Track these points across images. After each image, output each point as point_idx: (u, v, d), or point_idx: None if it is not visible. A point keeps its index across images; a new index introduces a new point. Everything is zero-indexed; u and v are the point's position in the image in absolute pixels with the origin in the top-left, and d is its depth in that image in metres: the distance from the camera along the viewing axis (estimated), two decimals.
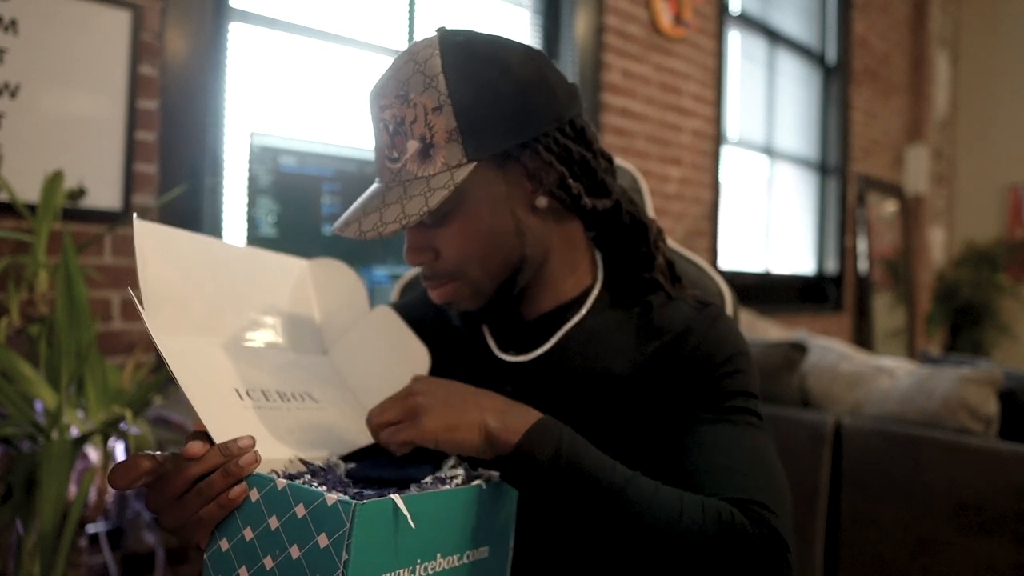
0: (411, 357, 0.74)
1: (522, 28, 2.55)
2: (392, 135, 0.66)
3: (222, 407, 0.55)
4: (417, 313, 0.83)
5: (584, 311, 0.75)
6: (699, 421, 0.68)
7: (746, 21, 3.47)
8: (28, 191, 1.39)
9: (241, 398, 0.57)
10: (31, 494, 1.09)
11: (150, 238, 0.60)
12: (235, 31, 1.79)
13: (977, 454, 1.65)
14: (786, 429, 1.94)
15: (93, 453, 1.24)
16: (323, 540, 0.46)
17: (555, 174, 0.69)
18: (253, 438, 0.52)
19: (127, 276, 1.57)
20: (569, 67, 2.56)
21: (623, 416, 0.70)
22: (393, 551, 0.49)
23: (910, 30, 4.81)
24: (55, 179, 1.31)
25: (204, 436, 0.52)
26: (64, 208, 1.41)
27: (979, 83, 5.08)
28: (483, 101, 0.65)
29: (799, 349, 2.06)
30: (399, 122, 0.65)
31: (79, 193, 1.48)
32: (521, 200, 0.69)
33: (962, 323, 4.83)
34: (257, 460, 0.51)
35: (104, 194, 1.52)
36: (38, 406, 1.17)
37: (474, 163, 0.64)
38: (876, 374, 2.00)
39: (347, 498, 0.47)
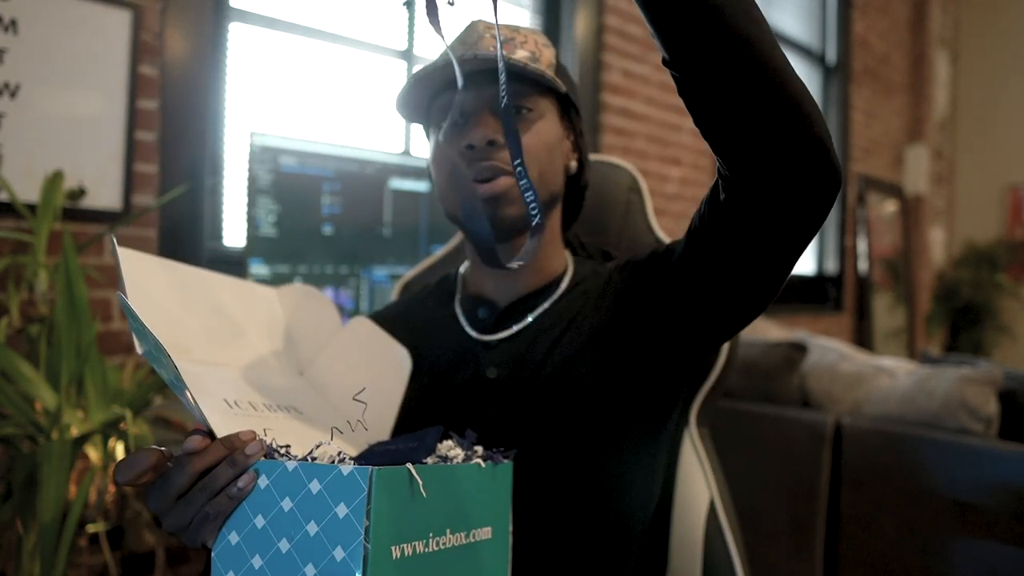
0: (392, 359, 0.74)
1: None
2: (501, 43, 0.72)
3: (213, 413, 0.55)
4: (394, 311, 0.89)
5: (559, 292, 0.79)
6: (674, 259, 0.71)
7: None
8: (28, 191, 1.39)
9: (231, 407, 0.57)
10: (31, 494, 1.09)
11: (129, 263, 0.61)
12: (235, 31, 1.79)
13: (977, 454, 1.65)
14: (786, 429, 1.94)
15: (93, 453, 1.24)
16: (342, 510, 0.46)
17: (586, 146, 0.82)
18: (254, 432, 0.52)
19: None
20: (569, 67, 2.56)
21: (603, 387, 0.72)
22: (407, 521, 0.49)
23: (910, 30, 4.81)
24: (55, 179, 1.31)
25: (202, 432, 0.52)
26: (64, 208, 1.41)
27: (979, 83, 5.08)
28: (565, 68, 0.81)
29: (799, 349, 2.06)
30: (509, 38, 0.75)
31: (79, 193, 1.48)
32: (564, 153, 0.79)
33: (962, 323, 4.83)
34: (263, 448, 0.50)
35: (104, 194, 1.53)
36: (38, 406, 1.17)
37: (563, 92, 0.76)
38: (876, 374, 2.00)
39: (363, 467, 0.47)
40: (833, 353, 2.12)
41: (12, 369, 1.14)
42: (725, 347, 0.92)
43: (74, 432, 1.17)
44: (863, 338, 4.23)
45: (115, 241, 0.60)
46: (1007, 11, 4.98)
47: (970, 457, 1.65)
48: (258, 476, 0.50)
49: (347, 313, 1.61)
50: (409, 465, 0.49)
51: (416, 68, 0.77)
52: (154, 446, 0.53)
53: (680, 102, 2.94)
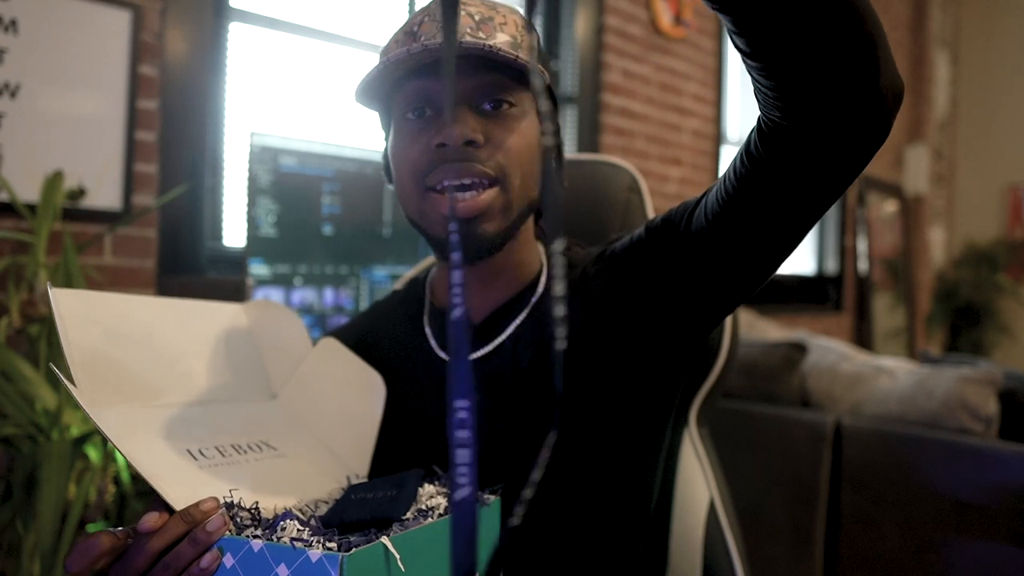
0: (365, 385, 0.70)
1: None
2: (478, 22, 0.65)
3: (178, 471, 0.52)
4: (361, 328, 0.82)
5: (536, 297, 0.73)
6: (677, 227, 0.66)
7: None
8: (28, 191, 1.39)
9: (195, 458, 0.54)
10: (31, 494, 1.09)
11: (71, 305, 0.57)
12: (235, 31, 1.79)
13: (977, 454, 1.65)
14: (786, 429, 1.94)
15: (93, 453, 1.24)
16: None
17: (561, 143, 0.76)
18: (217, 499, 0.49)
19: (127, 276, 1.57)
20: (569, 67, 2.56)
21: (592, 396, 0.68)
22: None
23: (910, 30, 4.81)
24: (55, 179, 1.31)
25: (163, 505, 0.49)
26: (64, 208, 1.41)
27: (979, 83, 5.08)
28: (544, 53, 0.73)
29: (799, 349, 2.06)
30: (487, 17, 0.66)
31: (79, 193, 1.48)
32: (543, 152, 0.71)
33: (962, 323, 4.83)
34: (225, 523, 0.47)
35: (104, 194, 1.52)
36: (38, 406, 1.17)
37: (547, 85, 0.67)
38: (876, 374, 2.00)
39: (333, 549, 0.45)
40: (833, 353, 2.12)
41: (12, 369, 1.14)
42: (725, 347, 0.92)
43: (74, 432, 1.17)
44: (863, 338, 4.23)
45: (50, 286, 0.56)
46: (1007, 11, 4.98)
47: (970, 457, 1.65)
48: (223, 553, 0.47)
49: (347, 313, 1.61)
50: (385, 540, 0.46)
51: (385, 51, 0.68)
52: (107, 529, 0.50)
53: (680, 102, 2.95)
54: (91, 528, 1.27)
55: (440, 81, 0.64)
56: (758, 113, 0.56)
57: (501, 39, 0.65)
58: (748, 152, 0.58)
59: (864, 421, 1.86)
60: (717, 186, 0.62)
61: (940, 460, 1.69)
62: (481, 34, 0.64)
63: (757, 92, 0.54)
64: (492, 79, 0.64)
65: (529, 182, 0.68)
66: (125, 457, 0.49)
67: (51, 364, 0.52)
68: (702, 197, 0.65)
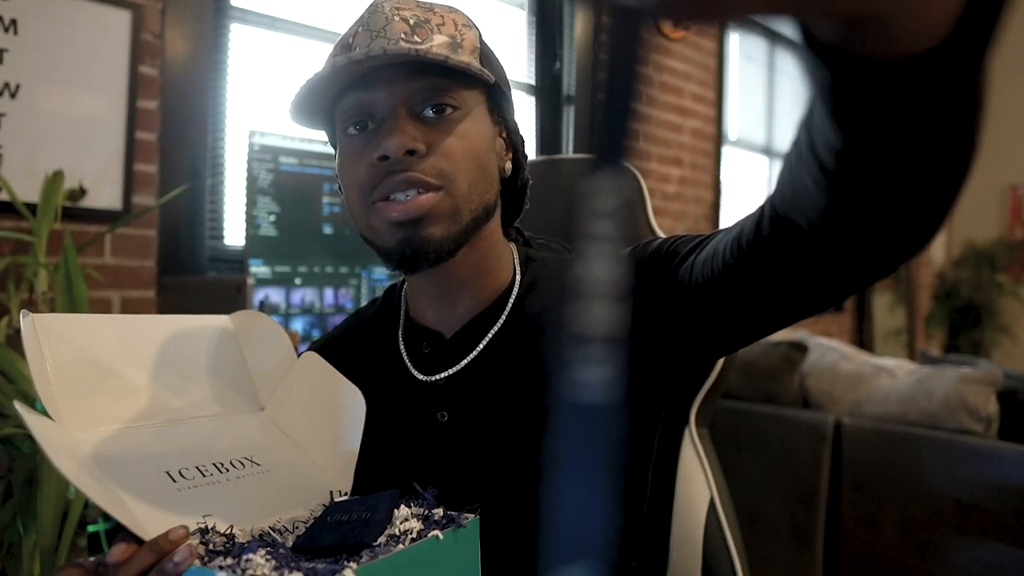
0: (346, 400, 0.69)
1: (521, 29, 2.55)
2: (413, 26, 0.63)
3: (151, 496, 0.52)
4: (339, 338, 0.82)
5: (509, 307, 0.70)
6: (677, 258, 0.61)
7: (746, 21, 3.47)
8: (28, 191, 1.39)
9: (174, 480, 0.54)
10: (31, 494, 1.09)
11: (44, 330, 0.56)
12: (235, 31, 1.79)
13: (977, 454, 1.65)
14: (786, 429, 1.94)
15: None
16: None
17: (521, 141, 0.73)
18: (186, 528, 0.48)
19: (127, 276, 1.57)
20: (568, 67, 2.56)
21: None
22: None
23: None
24: (55, 179, 1.31)
25: (128, 537, 0.48)
26: (64, 208, 1.41)
27: None
28: (491, 49, 0.70)
29: (799, 349, 2.06)
30: (423, 20, 0.64)
31: (79, 193, 1.48)
32: (498, 154, 0.70)
33: (962, 323, 4.83)
34: (193, 554, 0.46)
35: (104, 194, 1.52)
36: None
37: (492, 82, 0.66)
38: (876, 374, 2.00)
39: None
40: (833, 353, 2.12)
41: (12, 369, 1.14)
42: None
43: None
44: (863, 338, 4.23)
45: (24, 313, 0.55)
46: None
47: (970, 457, 1.65)
48: None
49: (347, 313, 1.61)
50: (349, 573, 0.45)
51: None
52: (79, 560, 0.50)
53: (680, 102, 2.95)
54: (91, 528, 1.27)
55: (376, 91, 0.63)
56: (771, 198, 0.48)
57: (438, 40, 0.63)
58: (738, 243, 0.52)
59: (864, 421, 1.86)
60: (710, 251, 0.57)
61: (940, 460, 1.69)
62: (416, 38, 0.63)
63: (789, 185, 0.45)
64: (430, 83, 0.63)
65: (479, 185, 0.65)
66: (83, 492, 0.48)
67: (15, 402, 0.51)
68: (697, 245, 0.61)
